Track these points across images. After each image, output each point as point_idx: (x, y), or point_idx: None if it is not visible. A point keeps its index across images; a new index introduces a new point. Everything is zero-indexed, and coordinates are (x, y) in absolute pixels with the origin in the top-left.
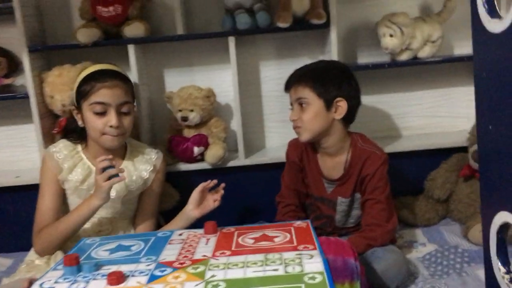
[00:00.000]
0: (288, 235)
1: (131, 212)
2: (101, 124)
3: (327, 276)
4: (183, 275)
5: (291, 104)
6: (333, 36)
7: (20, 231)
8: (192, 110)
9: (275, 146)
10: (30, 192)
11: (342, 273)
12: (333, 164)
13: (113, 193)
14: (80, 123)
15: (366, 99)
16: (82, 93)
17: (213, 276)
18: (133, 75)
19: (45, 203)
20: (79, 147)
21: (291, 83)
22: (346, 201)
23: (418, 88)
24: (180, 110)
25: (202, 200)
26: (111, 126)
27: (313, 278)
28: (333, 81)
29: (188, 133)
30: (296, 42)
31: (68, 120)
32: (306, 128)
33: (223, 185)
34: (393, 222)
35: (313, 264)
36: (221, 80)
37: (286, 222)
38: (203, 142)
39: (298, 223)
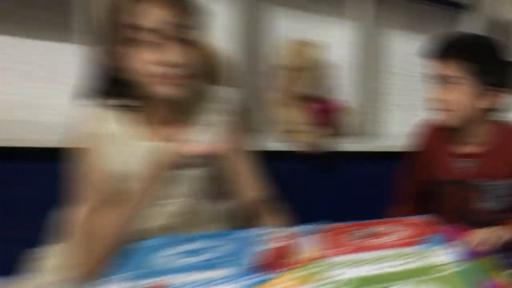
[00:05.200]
0: (404, 230)
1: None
2: None
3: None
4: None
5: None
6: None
7: None
8: None
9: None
10: None
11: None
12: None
13: None
14: None
15: None
16: None
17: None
18: None
19: None
20: None
21: (445, 54)
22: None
23: None
24: None
25: None
26: None
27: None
28: (501, 66)
29: None
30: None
31: None
32: (455, 113)
33: None
34: None
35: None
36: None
37: (393, 218)
38: None
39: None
